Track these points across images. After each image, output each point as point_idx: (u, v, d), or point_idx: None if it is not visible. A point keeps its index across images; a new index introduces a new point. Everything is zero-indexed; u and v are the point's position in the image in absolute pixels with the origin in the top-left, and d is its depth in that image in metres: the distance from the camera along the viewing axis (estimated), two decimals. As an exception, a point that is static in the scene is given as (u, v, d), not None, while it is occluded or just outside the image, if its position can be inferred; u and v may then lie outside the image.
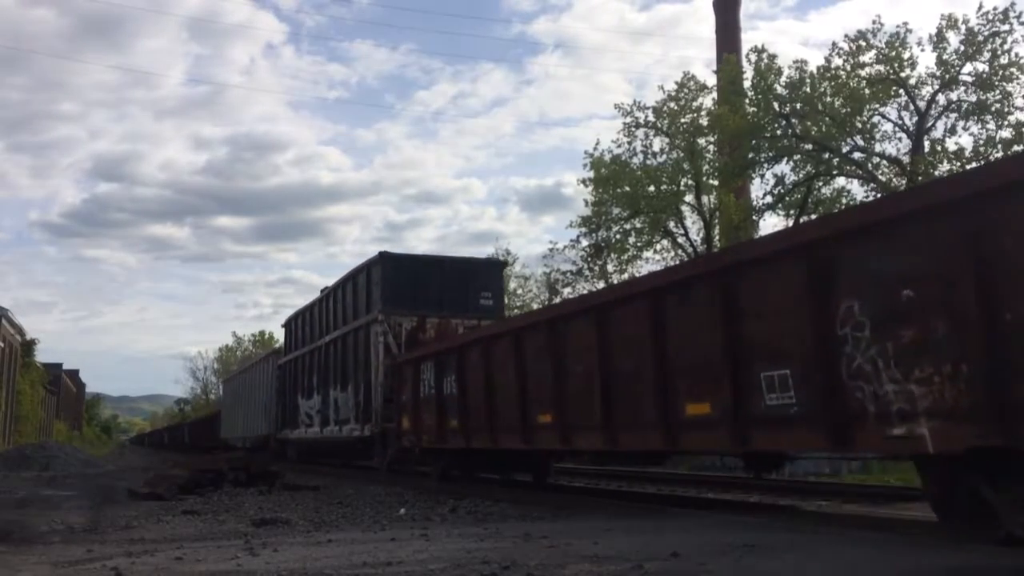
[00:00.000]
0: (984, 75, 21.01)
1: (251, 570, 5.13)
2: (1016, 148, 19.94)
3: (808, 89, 22.41)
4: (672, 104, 27.05)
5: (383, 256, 16.60)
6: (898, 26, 21.99)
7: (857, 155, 23.02)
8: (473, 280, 16.79)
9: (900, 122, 22.73)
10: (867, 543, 5.72)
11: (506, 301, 22.75)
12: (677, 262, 24.88)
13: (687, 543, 5.69)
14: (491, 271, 17.94)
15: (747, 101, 23.48)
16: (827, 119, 22.18)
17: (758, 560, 5.09)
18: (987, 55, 20.86)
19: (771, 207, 24.16)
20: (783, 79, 22.86)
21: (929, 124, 22.18)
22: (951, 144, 21.84)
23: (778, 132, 23.19)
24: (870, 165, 22.89)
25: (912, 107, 22.28)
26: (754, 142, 23.34)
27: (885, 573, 4.75)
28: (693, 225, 27.61)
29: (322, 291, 21.04)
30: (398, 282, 16.17)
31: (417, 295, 16.14)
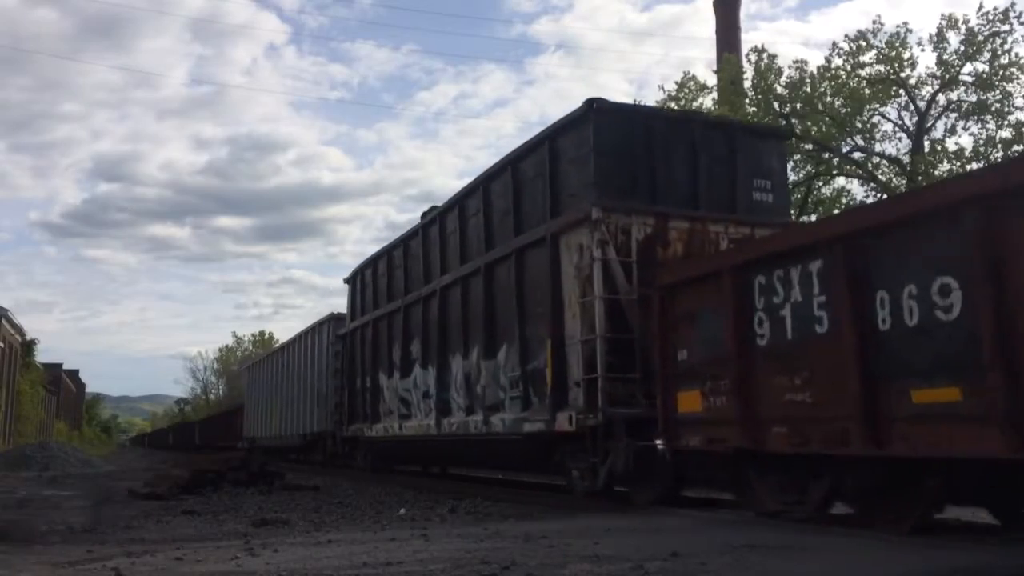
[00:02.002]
0: (984, 75, 21.04)
1: (251, 570, 5.13)
2: (1016, 148, 19.95)
3: (808, 89, 22.42)
4: (672, 104, 27.03)
5: (595, 108, 9.79)
6: (898, 26, 22.05)
7: (857, 155, 23.04)
8: (744, 158, 10.37)
9: (900, 122, 22.78)
10: (866, 543, 5.72)
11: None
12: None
13: (687, 543, 5.69)
14: (769, 145, 10.89)
15: (747, 101, 23.47)
16: (827, 119, 22.18)
17: (758, 560, 5.09)
18: (987, 55, 20.90)
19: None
20: (783, 79, 22.88)
21: (929, 124, 22.22)
22: (951, 144, 21.91)
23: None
24: (870, 165, 22.93)
25: (912, 107, 22.32)
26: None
27: (885, 573, 4.75)
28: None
29: (423, 216, 14.66)
30: (619, 157, 9.75)
31: (655, 180, 9.87)
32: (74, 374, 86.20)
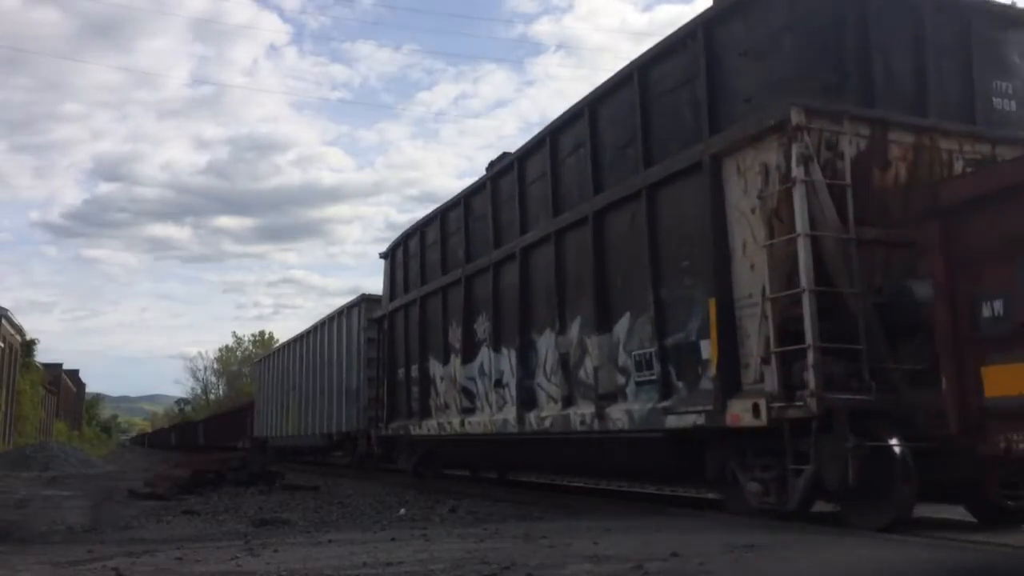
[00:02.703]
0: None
1: (251, 570, 5.13)
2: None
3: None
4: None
5: None
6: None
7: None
8: (982, 52, 7.83)
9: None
10: (866, 543, 5.73)
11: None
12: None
13: (687, 543, 5.69)
14: (1015, 37, 8.08)
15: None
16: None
17: (758, 560, 5.09)
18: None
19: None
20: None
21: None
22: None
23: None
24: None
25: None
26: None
27: (885, 573, 4.75)
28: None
29: (490, 167, 12.21)
30: (823, 41, 7.29)
31: (871, 75, 7.36)
32: (74, 374, 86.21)
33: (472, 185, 12.71)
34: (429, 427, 13.63)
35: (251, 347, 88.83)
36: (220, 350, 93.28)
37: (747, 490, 7.28)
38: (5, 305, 38.70)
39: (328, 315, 21.73)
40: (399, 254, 15.63)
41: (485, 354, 11.89)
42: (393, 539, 6.57)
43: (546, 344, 10.33)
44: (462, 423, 12.33)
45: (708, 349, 7.52)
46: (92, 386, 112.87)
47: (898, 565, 4.89)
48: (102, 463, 29.25)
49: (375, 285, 20.70)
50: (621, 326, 8.85)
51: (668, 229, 8.20)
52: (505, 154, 11.86)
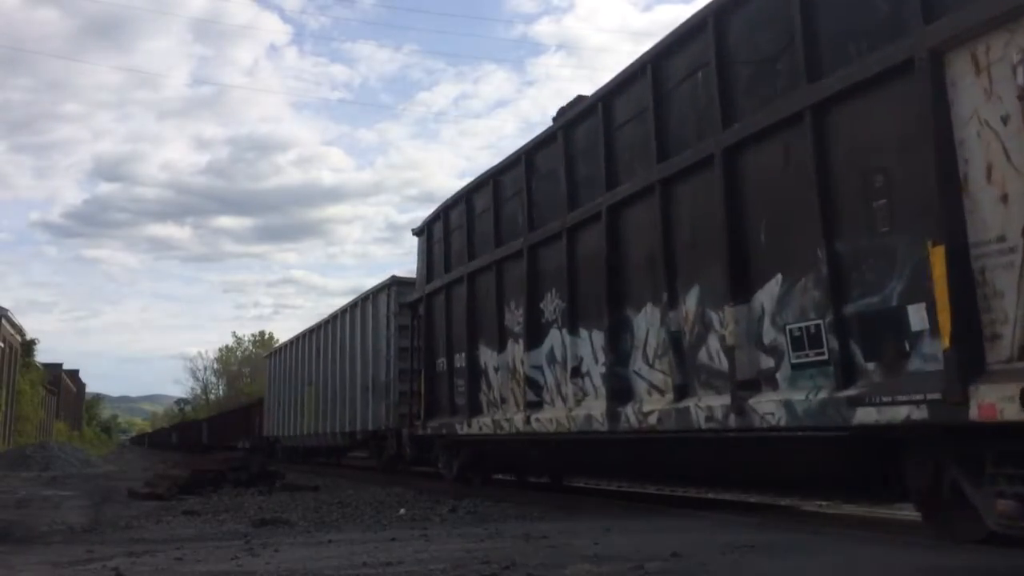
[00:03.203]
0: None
1: (251, 570, 5.13)
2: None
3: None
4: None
5: None
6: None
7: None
8: None
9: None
10: (867, 543, 5.73)
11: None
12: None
13: (687, 543, 5.69)
14: None
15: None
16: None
17: (758, 560, 5.09)
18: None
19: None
20: None
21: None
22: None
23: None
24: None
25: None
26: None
27: (885, 573, 4.75)
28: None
29: (557, 117, 10.37)
30: None
31: None
32: (74, 374, 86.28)
33: (536, 139, 10.47)
34: (481, 425, 11.37)
35: (251, 347, 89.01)
36: (220, 350, 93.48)
37: (997, 508, 5.20)
38: (5, 305, 38.79)
39: (351, 301, 19.40)
40: (437, 228, 13.27)
41: (556, 338, 9.76)
42: (393, 539, 6.57)
43: (647, 322, 8.22)
44: (527, 420, 10.01)
45: (921, 316, 5.60)
46: (92, 386, 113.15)
47: (900, 566, 4.89)
48: (102, 463, 29.27)
49: (375, 284, 19.54)
50: (766, 293, 6.91)
51: (848, 159, 6.21)
52: (580, 97, 10.02)
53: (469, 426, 11.73)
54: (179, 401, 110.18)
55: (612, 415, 8.41)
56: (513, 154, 11.11)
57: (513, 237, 10.83)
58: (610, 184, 8.85)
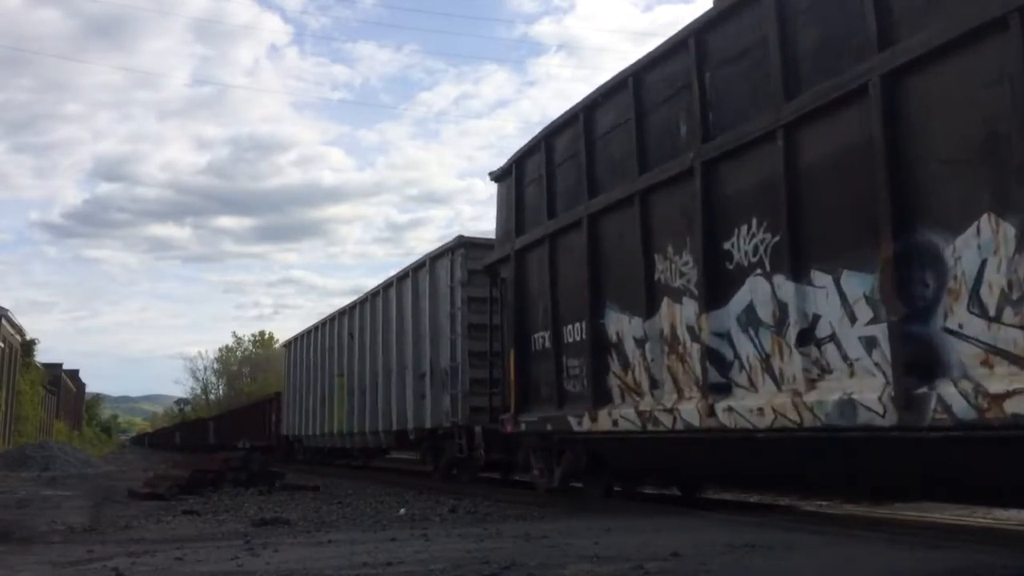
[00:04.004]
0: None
1: (251, 570, 5.13)
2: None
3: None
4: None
5: None
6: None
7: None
8: None
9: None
10: (867, 543, 5.73)
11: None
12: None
13: (687, 543, 5.69)
14: None
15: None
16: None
17: (758, 560, 5.10)
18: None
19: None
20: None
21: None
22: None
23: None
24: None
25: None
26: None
27: (884, 573, 4.75)
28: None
29: None
30: None
31: None
32: (74, 374, 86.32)
33: (716, 10, 7.31)
34: (617, 418, 8.41)
35: (251, 347, 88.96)
36: (220, 350, 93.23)
37: None
38: (5, 305, 38.79)
39: (397, 273, 16.12)
40: (533, 164, 10.50)
41: (759, 289, 6.84)
42: (393, 539, 6.57)
43: (978, 245, 5.12)
44: (708, 411, 7.11)
45: None
46: (92, 386, 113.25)
47: (900, 565, 4.89)
48: (102, 463, 29.28)
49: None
50: None
51: None
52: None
53: (592, 420, 8.83)
54: (179, 401, 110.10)
55: (906, 401, 5.44)
56: (671, 39, 7.88)
57: (670, 155, 7.83)
58: (883, 41, 5.66)
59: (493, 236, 11.98)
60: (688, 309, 7.67)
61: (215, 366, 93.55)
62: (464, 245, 13.52)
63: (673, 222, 7.90)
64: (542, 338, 10.18)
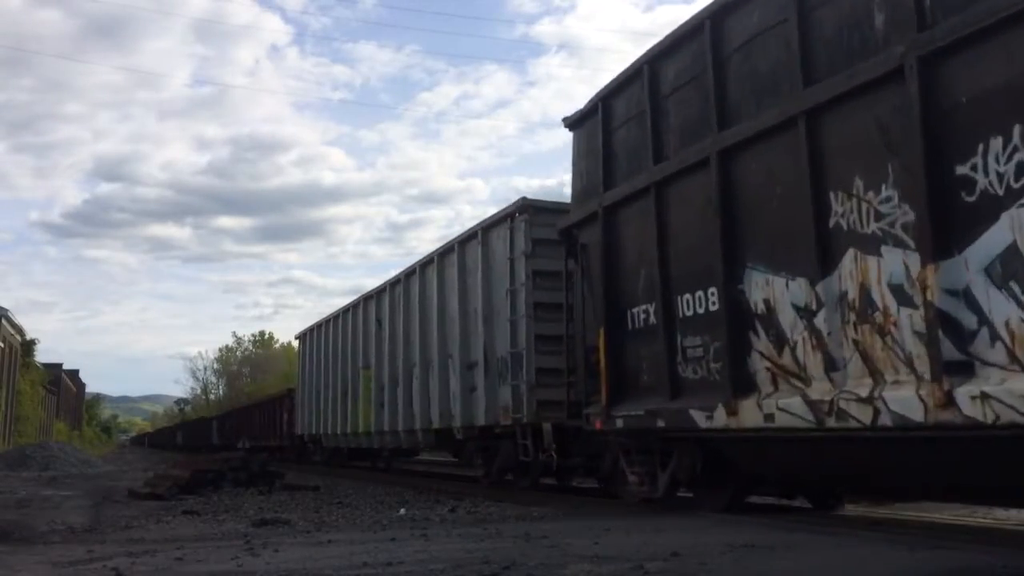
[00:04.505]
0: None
1: (251, 570, 5.13)
2: None
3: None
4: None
5: None
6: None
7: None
8: None
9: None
10: (867, 543, 5.73)
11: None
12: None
13: (687, 543, 5.69)
14: None
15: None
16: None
17: (758, 560, 5.09)
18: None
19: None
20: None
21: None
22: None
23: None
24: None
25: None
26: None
27: (884, 573, 4.75)
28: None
29: None
30: None
31: None
32: (74, 374, 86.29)
33: None
34: (773, 411, 6.62)
35: (251, 347, 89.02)
36: (220, 350, 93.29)
37: None
38: (5, 305, 38.77)
39: (440, 248, 14.01)
40: (624, 102, 8.81)
41: None
42: (393, 539, 6.57)
43: None
44: (944, 400, 5.20)
45: None
46: (92, 386, 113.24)
47: (900, 566, 4.89)
48: (102, 463, 29.26)
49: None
50: None
51: None
52: None
53: (731, 414, 6.99)
54: (179, 401, 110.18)
55: None
56: None
57: (856, 56, 6.00)
58: None
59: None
60: (893, 262, 5.74)
61: (215, 366, 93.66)
62: (527, 209, 11.40)
63: (862, 146, 6.00)
64: (643, 313, 8.38)
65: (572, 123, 9.81)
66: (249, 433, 33.07)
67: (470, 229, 12.90)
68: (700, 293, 7.58)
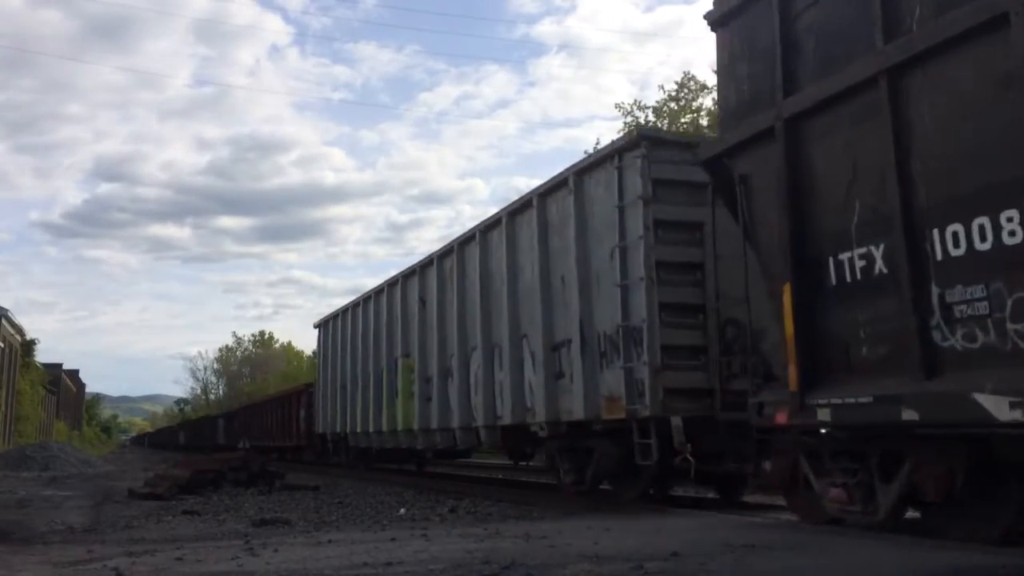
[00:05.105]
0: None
1: (251, 570, 5.13)
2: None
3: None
4: (672, 104, 27.14)
5: None
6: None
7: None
8: None
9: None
10: (868, 542, 5.72)
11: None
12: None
13: (687, 543, 5.69)
14: None
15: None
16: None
17: (758, 560, 5.09)
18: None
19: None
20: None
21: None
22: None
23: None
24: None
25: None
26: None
27: (885, 573, 4.75)
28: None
29: None
30: None
31: None
32: (74, 374, 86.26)
33: None
34: None
35: (251, 347, 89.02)
36: (220, 350, 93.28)
37: None
38: (5, 305, 38.78)
39: (507, 207, 11.55)
40: None
41: None
42: (393, 539, 6.57)
43: None
44: None
45: None
46: (92, 386, 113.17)
47: (901, 565, 4.89)
48: (102, 463, 29.26)
49: (589, 155, 12.21)
50: None
51: None
52: None
53: None
54: (179, 401, 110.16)
55: None
56: None
57: None
58: None
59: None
60: None
61: (215, 366, 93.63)
62: (643, 143, 8.88)
63: None
64: (862, 260, 6.14)
65: (720, 18, 7.49)
66: (260, 433, 30.78)
67: (554, 177, 10.46)
68: (982, 221, 5.20)
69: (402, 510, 9.50)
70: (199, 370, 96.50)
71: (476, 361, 12.23)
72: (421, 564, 5.17)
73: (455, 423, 12.85)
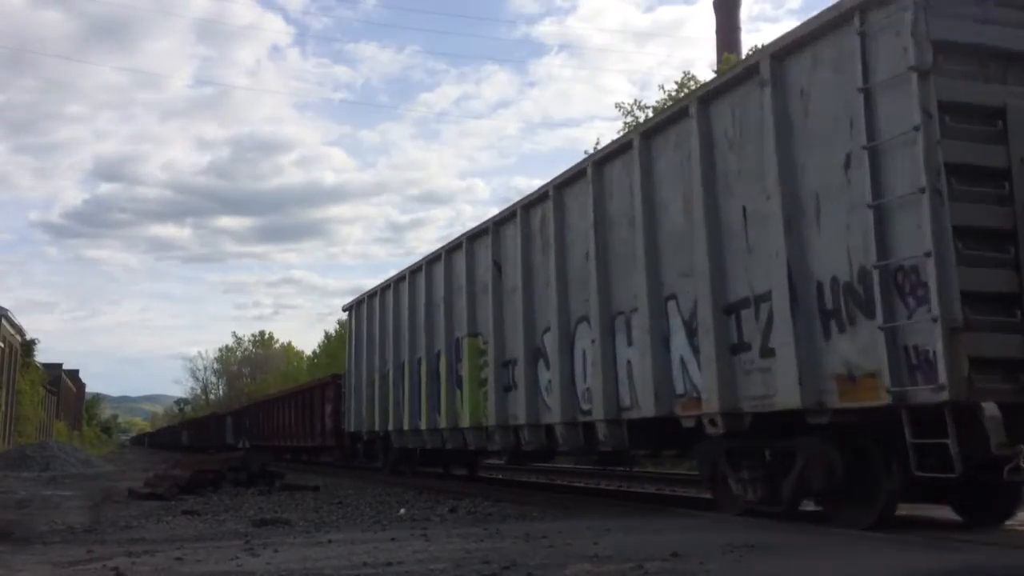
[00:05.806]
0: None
1: (251, 570, 5.13)
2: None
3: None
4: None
5: None
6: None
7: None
8: None
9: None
10: (867, 542, 5.73)
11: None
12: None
13: (687, 543, 5.69)
14: None
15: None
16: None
17: (758, 560, 5.09)
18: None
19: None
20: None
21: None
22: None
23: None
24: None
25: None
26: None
27: (885, 572, 4.75)
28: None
29: None
30: None
31: None
32: (74, 374, 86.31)
33: None
34: None
35: (251, 347, 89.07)
36: (220, 350, 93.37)
37: None
38: (5, 305, 38.77)
39: (648, 122, 9.35)
40: None
41: None
42: (393, 539, 6.57)
43: None
44: None
45: None
46: (92, 386, 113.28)
47: (901, 565, 4.89)
48: (102, 463, 29.25)
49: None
50: None
51: None
52: None
53: None
54: (179, 401, 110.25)
55: None
56: None
57: None
58: None
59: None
60: None
61: (215, 366, 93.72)
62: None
63: None
64: None
65: None
66: (275, 432, 28.11)
67: (733, 68, 8.46)
68: None
69: (402, 510, 9.49)
70: (199, 370, 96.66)
71: (584, 336, 9.65)
72: (421, 564, 5.17)
73: (557, 417, 10.04)
